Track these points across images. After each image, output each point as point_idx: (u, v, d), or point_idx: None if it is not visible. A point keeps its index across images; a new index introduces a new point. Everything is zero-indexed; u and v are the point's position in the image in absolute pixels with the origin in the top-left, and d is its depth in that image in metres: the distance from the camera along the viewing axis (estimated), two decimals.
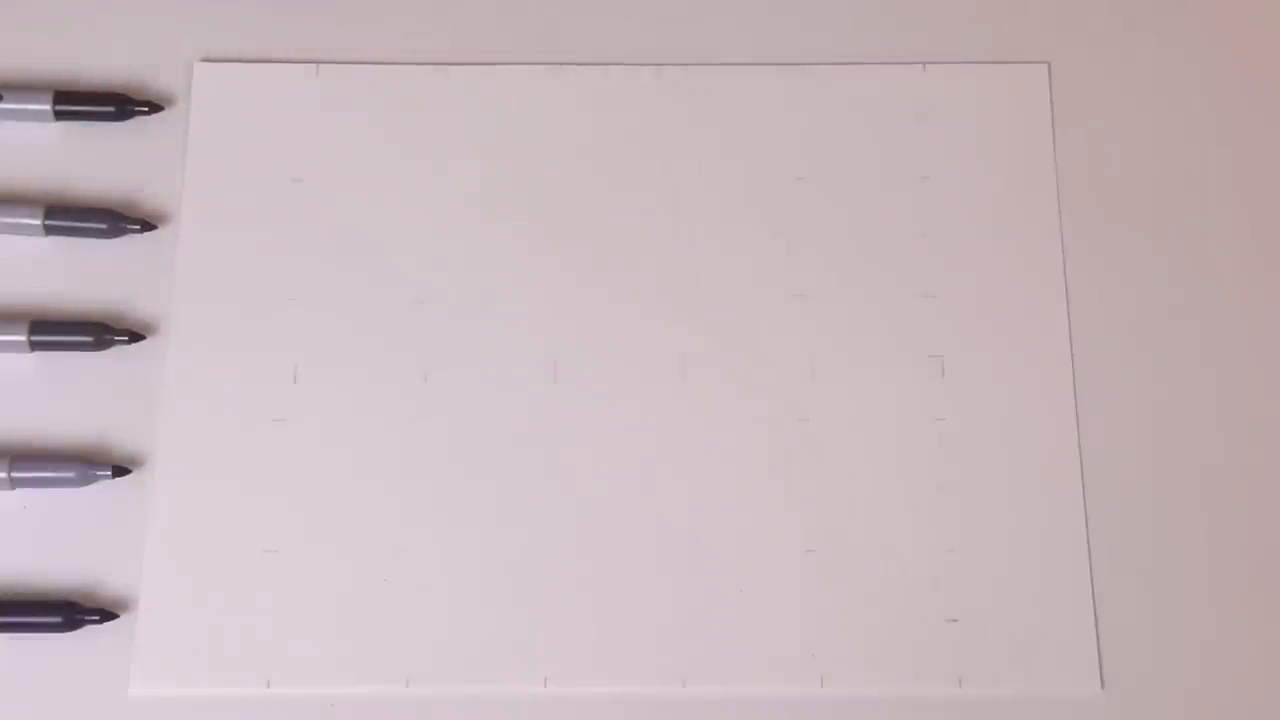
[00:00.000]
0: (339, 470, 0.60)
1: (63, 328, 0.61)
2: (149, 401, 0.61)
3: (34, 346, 0.61)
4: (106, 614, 0.58)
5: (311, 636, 0.58)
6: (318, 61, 0.66)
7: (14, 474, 0.59)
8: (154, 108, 0.64)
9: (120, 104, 0.64)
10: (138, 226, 0.63)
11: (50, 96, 0.63)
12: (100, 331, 0.61)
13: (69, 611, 0.58)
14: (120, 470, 0.59)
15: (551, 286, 0.63)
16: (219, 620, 0.58)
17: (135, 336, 0.61)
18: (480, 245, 0.63)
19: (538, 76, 0.65)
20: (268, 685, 0.58)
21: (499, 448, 0.61)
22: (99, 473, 0.59)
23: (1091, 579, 0.59)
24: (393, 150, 0.64)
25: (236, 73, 0.65)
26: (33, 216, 0.62)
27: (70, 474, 0.59)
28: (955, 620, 0.59)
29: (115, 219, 0.62)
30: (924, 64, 0.66)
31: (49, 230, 0.62)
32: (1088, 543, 0.60)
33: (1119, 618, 0.59)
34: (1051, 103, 0.65)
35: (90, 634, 0.58)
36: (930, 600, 0.59)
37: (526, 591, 0.59)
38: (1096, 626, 0.59)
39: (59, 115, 0.64)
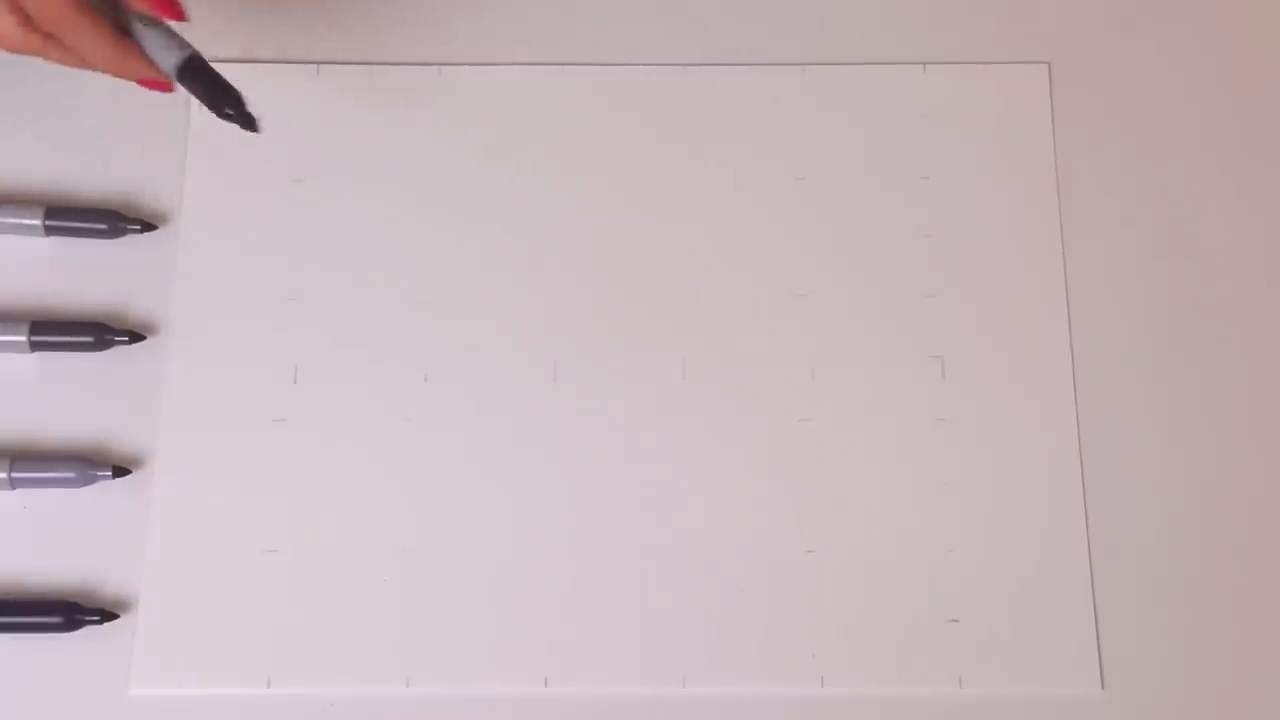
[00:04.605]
0: (339, 470, 0.60)
1: (63, 328, 0.61)
2: (149, 401, 0.61)
3: (34, 346, 0.61)
4: (106, 614, 0.58)
5: (311, 636, 0.58)
6: (318, 62, 0.66)
7: (14, 474, 0.59)
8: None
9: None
10: (138, 226, 0.63)
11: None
12: (100, 331, 0.61)
13: (69, 611, 0.58)
14: (120, 470, 0.59)
15: (551, 286, 0.63)
16: (219, 620, 0.58)
17: (135, 336, 0.61)
18: (480, 245, 0.63)
19: (537, 76, 0.65)
20: (268, 685, 0.58)
21: (499, 448, 0.61)
22: (99, 473, 0.59)
23: (1091, 579, 0.59)
24: (393, 150, 0.64)
25: (236, 73, 0.65)
26: (33, 217, 0.62)
27: (70, 474, 0.59)
28: (955, 620, 0.59)
29: (115, 219, 0.62)
30: (924, 64, 0.66)
31: (49, 230, 0.62)
32: (1088, 543, 0.60)
33: (1119, 618, 0.59)
34: (1051, 103, 0.65)
35: (90, 634, 0.58)
36: (930, 600, 0.59)
37: (526, 591, 0.59)
38: (1096, 626, 0.59)
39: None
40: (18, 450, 0.60)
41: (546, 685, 0.58)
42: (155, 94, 0.64)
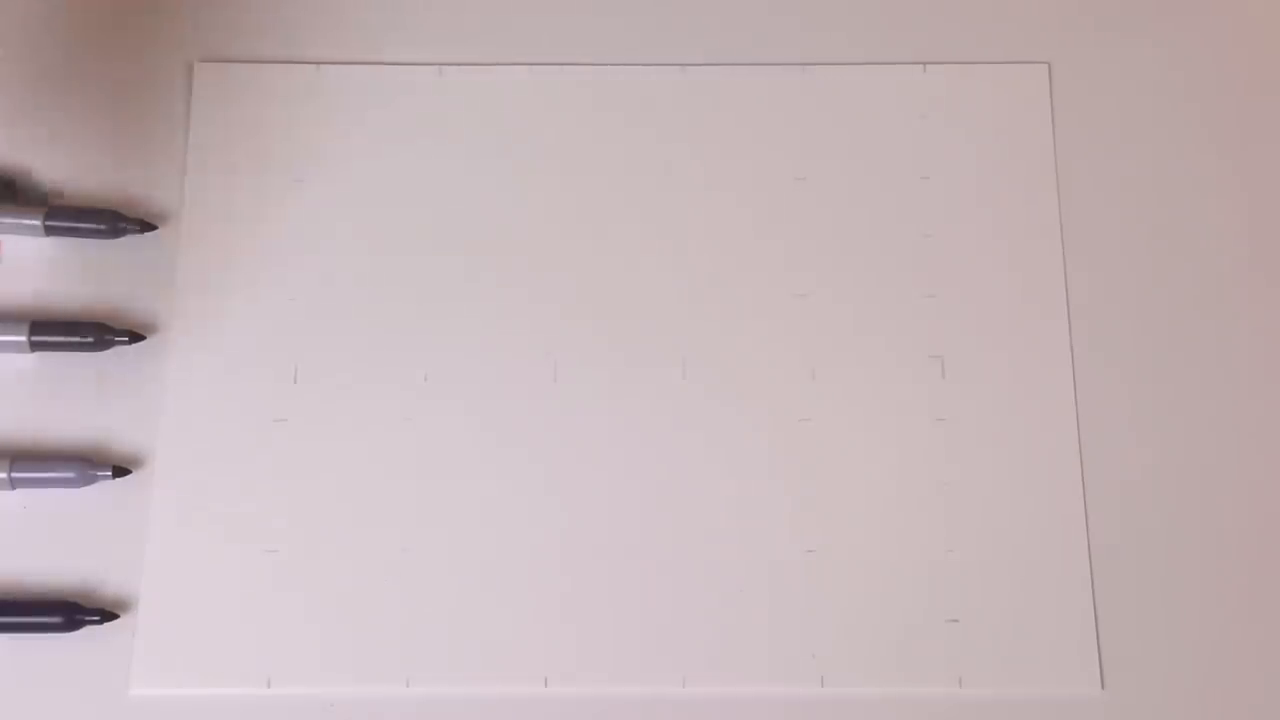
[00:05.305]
0: (339, 470, 0.60)
1: (63, 328, 0.61)
2: (149, 401, 0.61)
3: (34, 346, 0.61)
4: (106, 614, 0.58)
5: (311, 636, 0.58)
6: (318, 62, 0.66)
7: (14, 474, 0.59)
8: None
9: None
10: (138, 226, 0.63)
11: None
12: (100, 331, 0.61)
13: (69, 611, 0.58)
14: (120, 470, 0.59)
15: (551, 286, 0.63)
16: (219, 620, 0.58)
17: (135, 336, 0.61)
18: (480, 245, 0.63)
19: (537, 76, 0.65)
20: (268, 685, 0.58)
21: (499, 448, 0.61)
22: (99, 473, 0.59)
23: (1091, 579, 0.59)
24: (393, 150, 0.64)
25: (236, 73, 0.65)
26: (33, 217, 0.62)
27: (70, 474, 0.59)
28: (955, 620, 0.59)
29: (115, 219, 0.62)
30: (924, 64, 0.66)
31: (49, 230, 0.62)
32: (1088, 543, 0.60)
33: (1119, 618, 0.59)
34: (1051, 103, 0.65)
35: (90, 634, 0.58)
36: (930, 600, 0.59)
37: (526, 591, 0.59)
38: (1096, 626, 0.59)
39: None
40: (18, 450, 0.60)
41: (546, 685, 0.58)
42: (155, 94, 0.65)
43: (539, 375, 0.62)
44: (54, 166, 0.64)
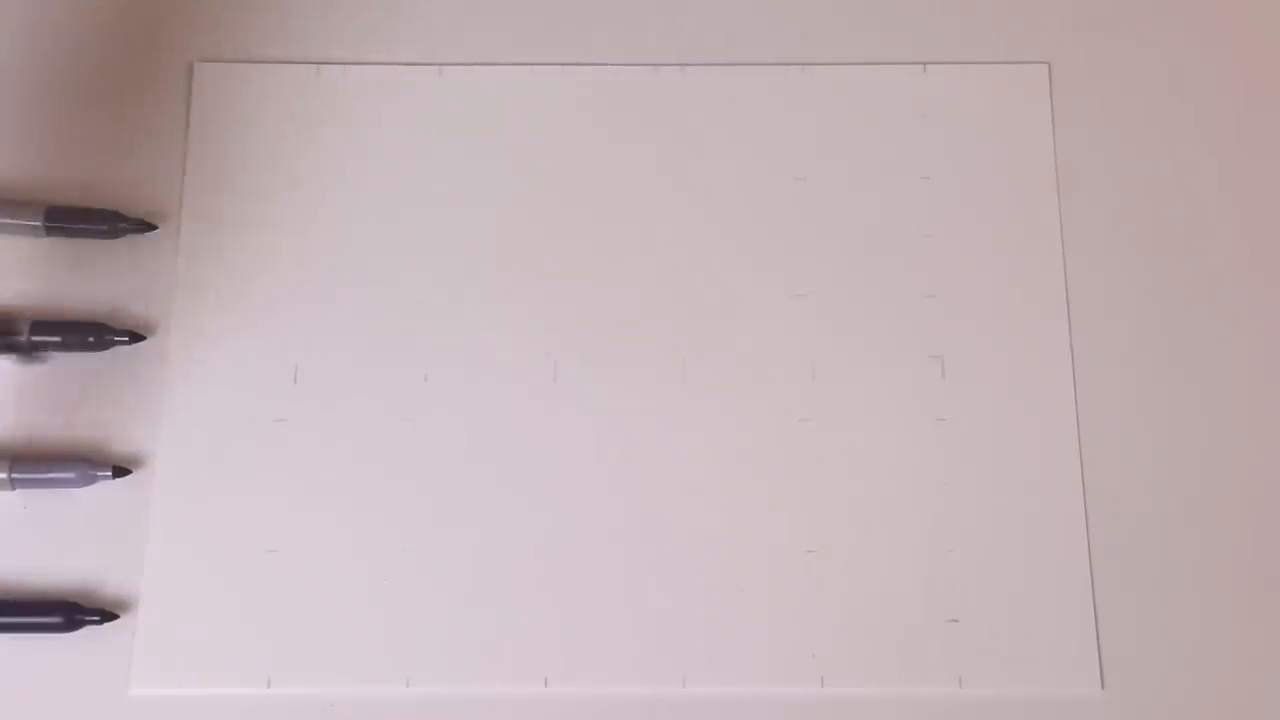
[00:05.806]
0: (339, 470, 0.60)
1: (63, 328, 0.61)
2: (149, 401, 0.61)
3: (34, 346, 0.61)
4: (106, 614, 0.58)
5: (311, 636, 0.58)
6: (318, 62, 0.66)
7: (14, 474, 0.59)
8: None
9: None
10: (138, 226, 0.63)
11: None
12: (100, 331, 0.61)
13: (69, 611, 0.58)
14: (120, 470, 0.59)
15: (551, 286, 0.63)
16: (219, 620, 0.58)
17: (135, 336, 0.61)
18: (480, 245, 0.63)
19: (538, 76, 0.65)
20: (268, 685, 0.58)
21: (499, 447, 0.61)
22: (99, 473, 0.59)
23: (1091, 579, 0.59)
24: (393, 151, 0.64)
25: (236, 73, 0.65)
26: (33, 217, 0.62)
27: (70, 474, 0.59)
28: (955, 620, 0.59)
29: (115, 219, 0.62)
30: (924, 64, 0.66)
31: (49, 230, 0.62)
32: (1088, 543, 0.60)
33: (1119, 618, 0.59)
34: (1051, 103, 0.65)
35: (90, 634, 0.58)
36: (930, 600, 0.59)
37: (526, 591, 0.59)
38: (1096, 626, 0.59)
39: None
40: (18, 450, 0.60)
41: (546, 685, 0.58)
42: (155, 94, 0.65)
43: (539, 375, 0.62)
44: (54, 166, 0.64)
